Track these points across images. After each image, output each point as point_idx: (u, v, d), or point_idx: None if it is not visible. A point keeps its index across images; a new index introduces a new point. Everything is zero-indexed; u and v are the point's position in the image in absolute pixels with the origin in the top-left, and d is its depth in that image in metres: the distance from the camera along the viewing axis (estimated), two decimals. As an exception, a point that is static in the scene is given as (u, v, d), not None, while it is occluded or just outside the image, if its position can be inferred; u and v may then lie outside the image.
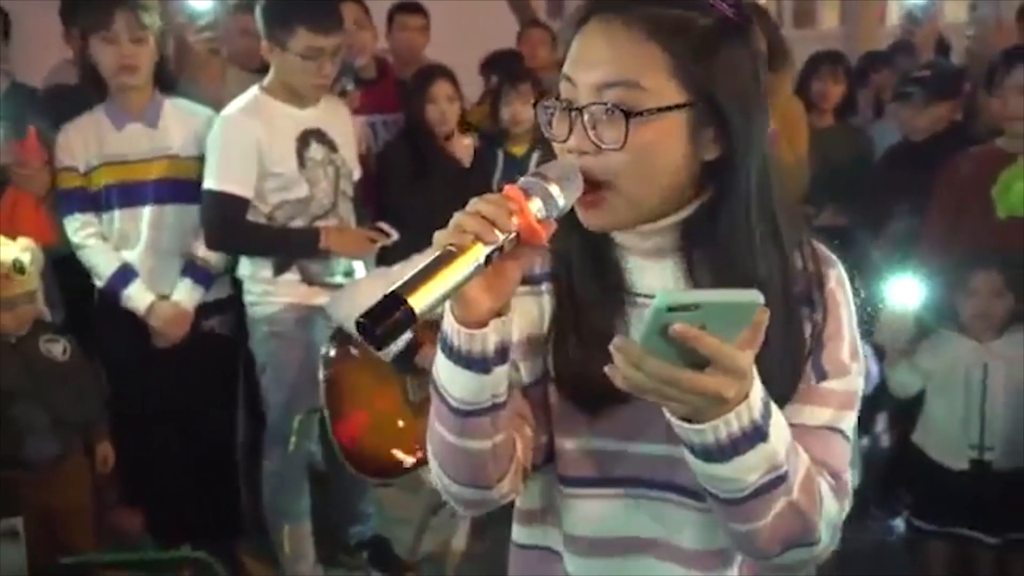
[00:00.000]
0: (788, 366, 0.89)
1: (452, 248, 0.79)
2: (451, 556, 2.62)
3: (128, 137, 2.47)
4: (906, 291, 2.41)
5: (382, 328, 0.75)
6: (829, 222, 3.20)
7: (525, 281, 0.93)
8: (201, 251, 2.50)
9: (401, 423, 2.40)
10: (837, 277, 0.95)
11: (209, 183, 2.42)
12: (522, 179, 0.84)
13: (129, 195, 2.48)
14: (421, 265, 0.79)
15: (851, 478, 0.93)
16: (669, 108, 0.85)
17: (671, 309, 0.74)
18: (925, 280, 2.60)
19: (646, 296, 0.91)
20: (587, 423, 0.94)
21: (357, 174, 2.64)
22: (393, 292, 0.76)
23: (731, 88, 0.86)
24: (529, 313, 0.96)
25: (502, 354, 0.86)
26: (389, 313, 0.75)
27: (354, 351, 2.38)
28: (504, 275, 0.84)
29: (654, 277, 0.92)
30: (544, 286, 0.97)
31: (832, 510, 0.90)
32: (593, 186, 0.86)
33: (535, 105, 0.92)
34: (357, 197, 2.62)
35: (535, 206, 0.82)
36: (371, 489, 2.76)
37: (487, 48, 4.58)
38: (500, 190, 0.83)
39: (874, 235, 3.20)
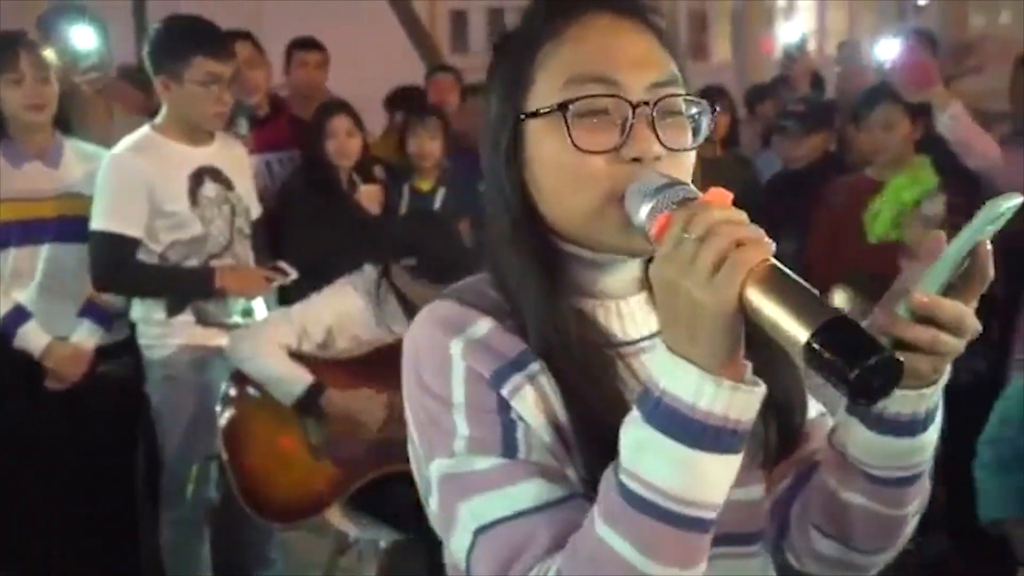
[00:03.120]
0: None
1: (775, 263, 0.64)
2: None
3: (28, 175, 2.41)
4: None
5: (895, 370, 0.60)
6: None
7: (508, 371, 0.74)
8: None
9: (304, 466, 2.37)
10: None
11: (97, 223, 2.36)
12: (688, 188, 0.71)
13: (27, 233, 2.42)
14: (793, 287, 0.63)
15: None
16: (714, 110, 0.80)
17: (995, 219, 0.67)
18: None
19: (634, 343, 0.79)
20: None
21: (255, 212, 2.63)
22: (845, 319, 0.60)
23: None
24: (534, 407, 0.74)
25: None
26: (874, 341, 0.60)
27: (253, 392, 2.34)
28: None
29: (628, 316, 0.81)
30: (534, 367, 0.75)
31: None
32: None
33: (563, 106, 0.74)
34: (256, 235, 2.60)
35: None
36: (276, 533, 2.71)
37: (390, 83, 4.62)
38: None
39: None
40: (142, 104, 3.02)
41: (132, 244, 2.36)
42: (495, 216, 0.81)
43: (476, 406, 0.74)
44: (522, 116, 0.78)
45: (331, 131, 2.93)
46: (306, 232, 2.85)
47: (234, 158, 2.56)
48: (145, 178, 2.36)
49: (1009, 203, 0.67)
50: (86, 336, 2.46)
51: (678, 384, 0.65)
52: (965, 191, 2.86)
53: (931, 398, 0.74)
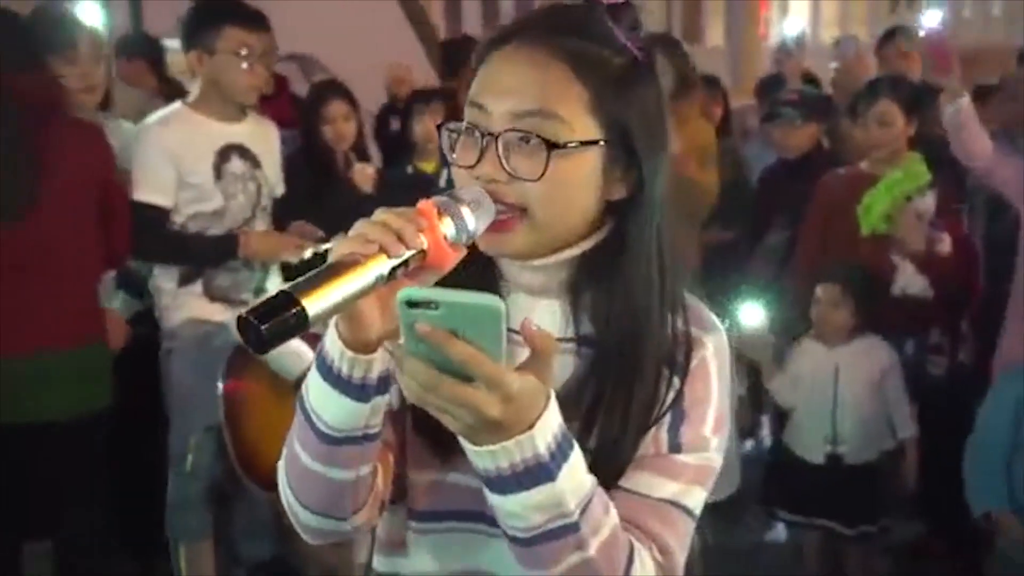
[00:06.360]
0: (634, 422, 0.86)
1: (355, 257, 0.74)
2: (353, 568, 2.64)
3: None
4: (755, 312, 2.62)
5: (270, 327, 0.68)
6: (716, 238, 3.40)
7: None
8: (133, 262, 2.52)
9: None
10: (716, 345, 0.90)
11: (132, 193, 2.40)
12: (435, 197, 0.80)
13: None
14: (318, 269, 0.73)
15: (681, 559, 0.88)
16: (590, 143, 0.84)
17: (411, 304, 0.70)
18: (793, 291, 2.83)
19: (513, 332, 0.82)
20: (437, 457, 0.90)
21: (280, 190, 2.66)
22: (285, 291, 0.70)
23: (643, 129, 0.86)
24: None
25: (384, 383, 0.81)
26: (279, 312, 0.68)
27: (256, 366, 2.37)
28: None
29: (536, 317, 0.85)
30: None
31: None
32: (505, 209, 0.83)
33: (439, 128, 0.89)
34: (276, 213, 2.63)
35: (447, 227, 0.79)
36: (271, 506, 2.75)
37: (384, 59, 4.61)
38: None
39: (752, 249, 3.43)
40: (153, 86, 3.05)
41: (164, 213, 2.41)
42: None
43: None
44: None
45: (328, 116, 2.96)
46: (302, 210, 2.87)
47: (263, 137, 2.59)
48: (172, 149, 2.40)
49: (411, 295, 0.71)
50: (122, 307, 2.53)
51: None
52: (954, 188, 2.93)
53: (478, 459, 0.76)
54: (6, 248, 2.12)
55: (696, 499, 0.89)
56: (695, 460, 0.88)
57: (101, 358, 2.34)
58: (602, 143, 0.85)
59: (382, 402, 0.82)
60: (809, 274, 2.83)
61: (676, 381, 0.88)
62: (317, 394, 0.81)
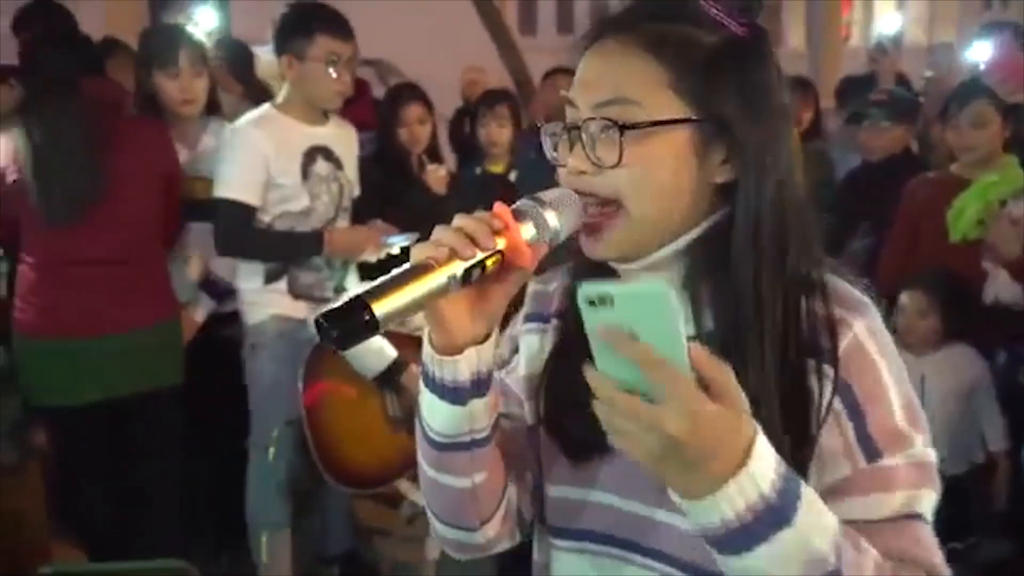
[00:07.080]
0: (782, 420, 0.77)
1: (428, 261, 0.76)
2: (426, 565, 2.67)
3: None
4: None
5: (341, 330, 0.72)
6: None
7: (536, 318, 0.94)
8: (219, 268, 2.63)
9: (380, 437, 2.45)
10: (868, 327, 0.82)
11: (221, 191, 2.49)
12: (519, 201, 0.82)
13: None
14: (392, 274, 0.76)
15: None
16: (665, 122, 0.81)
17: (591, 303, 0.68)
18: (877, 298, 2.74)
19: None
20: (571, 470, 0.88)
21: (357, 191, 2.73)
22: (358, 295, 0.74)
23: (743, 107, 0.81)
24: (532, 350, 0.93)
25: (478, 386, 0.81)
26: (350, 316, 0.73)
27: (336, 362, 2.42)
28: (488, 298, 0.80)
29: None
30: (553, 323, 0.93)
31: None
32: (600, 204, 0.82)
33: (537, 131, 0.89)
34: (353, 213, 2.70)
35: (526, 228, 0.80)
36: (348, 500, 2.81)
37: (460, 62, 4.66)
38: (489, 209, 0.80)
39: (836, 254, 3.34)
40: (239, 91, 3.16)
41: (251, 211, 2.49)
42: None
43: (509, 331, 0.97)
44: None
45: (403, 119, 3.02)
46: (377, 211, 2.93)
47: (345, 140, 2.66)
48: (263, 150, 2.48)
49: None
50: (201, 309, 2.66)
51: None
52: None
53: (699, 514, 0.68)
54: (76, 237, 2.29)
55: (927, 503, 0.79)
56: (903, 460, 0.79)
57: (173, 337, 2.51)
58: (685, 121, 0.81)
59: (481, 405, 0.83)
60: (894, 281, 2.74)
61: (828, 370, 0.79)
62: (424, 401, 0.85)
